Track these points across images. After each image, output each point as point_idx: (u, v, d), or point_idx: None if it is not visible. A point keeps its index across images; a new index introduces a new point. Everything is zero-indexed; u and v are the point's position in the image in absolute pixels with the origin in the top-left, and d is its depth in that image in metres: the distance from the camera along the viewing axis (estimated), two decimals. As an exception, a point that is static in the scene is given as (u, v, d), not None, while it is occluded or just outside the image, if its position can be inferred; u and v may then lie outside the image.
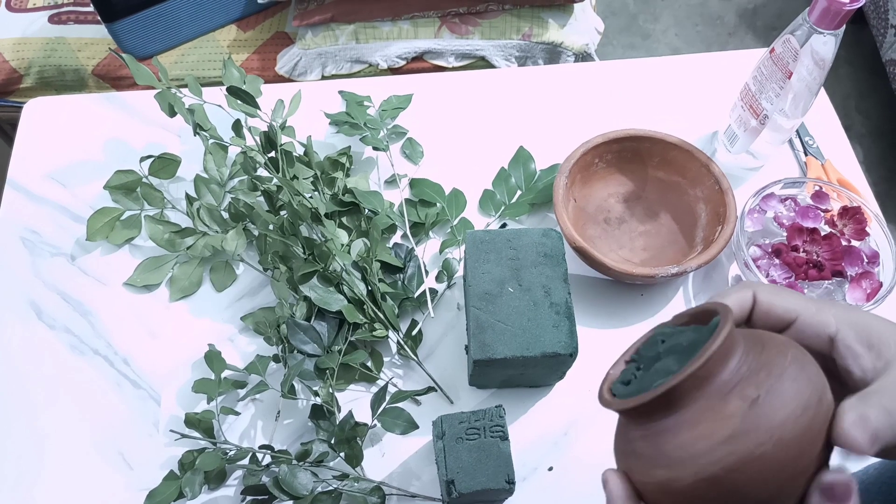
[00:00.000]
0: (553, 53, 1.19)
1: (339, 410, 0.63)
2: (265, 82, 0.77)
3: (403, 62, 1.17)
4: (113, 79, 1.17)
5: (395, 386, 0.65)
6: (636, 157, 0.74)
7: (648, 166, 0.75)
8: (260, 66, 1.17)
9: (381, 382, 0.65)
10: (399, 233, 0.74)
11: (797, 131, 0.81)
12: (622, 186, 0.75)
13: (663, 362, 0.38)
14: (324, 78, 1.18)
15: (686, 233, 0.72)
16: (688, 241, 0.72)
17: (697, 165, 0.72)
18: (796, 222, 0.68)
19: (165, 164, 0.74)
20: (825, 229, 0.69)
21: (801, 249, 0.67)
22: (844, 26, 0.63)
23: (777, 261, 0.67)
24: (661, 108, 0.83)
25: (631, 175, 0.75)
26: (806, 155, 0.79)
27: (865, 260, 0.67)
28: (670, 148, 0.73)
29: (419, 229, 0.73)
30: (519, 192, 0.76)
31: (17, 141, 0.79)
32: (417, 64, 1.18)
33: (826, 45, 0.63)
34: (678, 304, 0.71)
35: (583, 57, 1.21)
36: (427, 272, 0.71)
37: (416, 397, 0.65)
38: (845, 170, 0.79)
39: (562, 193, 0.69)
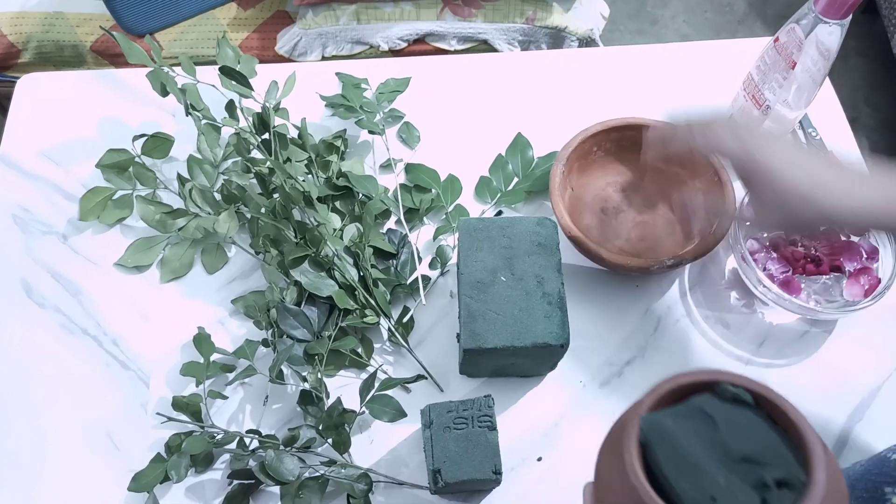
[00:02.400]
0: (557, 38, 1.17)
1: (328, 397, 0.62)
2: (264, 62, 0.76)
3: (405, 44, 1.15)
4: (111, 55, 1.16)
5: (384, 373, 0.65)
6: (635, 146, 0.72)
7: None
8: (260, 46, 1.16)
9: (370, 369, 0.65)
10: (393, 218, 0.73)
11: (800, 122, 0.79)
12: (620, 176, 0.74)
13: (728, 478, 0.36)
14: (324, 59, 1.16)
15: (684, 224, 0.71)
16: (685, 233, 0.70)
17: (698, 156, 0.70)
18: (796, 216, 0.67)
19: (158, 144, 0.73)
20: (825, 224, 0.68)
21: (799, 244, 0.66)
22: (851, 16, 0.61)
23: (774, 255, 0.66)
24: (664, 96, 0.82)
25: (630, 164, 0.74)
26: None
27: (864, 255, 0.66)
28: None
29: (413, 215, 0.72)
30: (516, 180, 0.75)
31: (10, 117, 0.78)
32: (419, 46, 1.16)
33: (831, 35, 0.62)
34: (673, 296, 0.70)
35: (587, 42, 1.19)
36: (420, 259, 0.71)
37: (406, 385, 0.64)
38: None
39: (558, 181, 0.68)
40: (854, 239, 0.67)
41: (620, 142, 0.73)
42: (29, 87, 0.81)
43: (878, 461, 0.53)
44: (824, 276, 0.66)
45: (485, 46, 1.17)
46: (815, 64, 0.65)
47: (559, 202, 0.67)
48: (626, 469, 0.36)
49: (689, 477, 0.36)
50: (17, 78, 1.08)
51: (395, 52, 1.16)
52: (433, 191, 0.73)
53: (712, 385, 0.40)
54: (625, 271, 0.67)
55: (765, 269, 0.66)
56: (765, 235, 0.68)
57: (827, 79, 0.77)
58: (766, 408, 0.39)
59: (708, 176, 0.70)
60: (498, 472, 0.55)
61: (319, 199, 0.69)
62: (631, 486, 0.36)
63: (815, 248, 0.66)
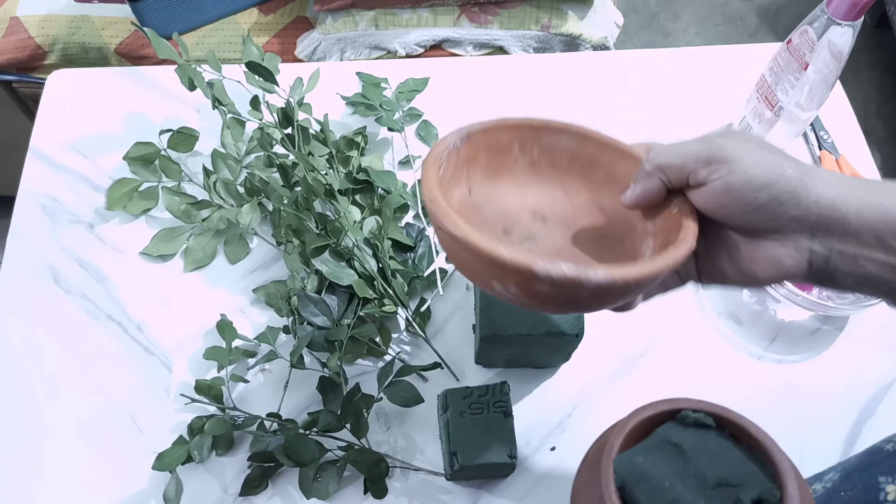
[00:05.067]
0: (571, 45, 1.19)
1: (347, 383, 0.63)
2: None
3: (422, 50, 1.18)
4: (135, 58, 1.19)
5: (402, 361, 0.66)
6: (574, 165, 0.50)
7: (589, 181, 0.50)
8: (280, 50, 1.18)
9: (388, 357, 0.66)
10: (411, 213, 0.74)
11: (812, 125, 0.81)
12: (543, 199, 0.51)
13: None
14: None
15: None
16: None
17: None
18: (808, 214, 0.68)
19: (184, 138, 0.75)
20: (837, 222, 0.69)
21: (812, 241, 0.67)
22: (862, 18, 0.63)
23: (787, 251, 0.67)
24: (676, 99, 0.83)
25: (560, 188, 0.51)
26: (820, 149, 0.79)
27: (876, 253, 0.67)
28: (621, 158, 0.48)
29: (431, 210, 0.74)
30: (531, 177, 0.77)
31: (41, 111, 0.81)
32: (435, 52, 1.19)
33: (843, 36, 0.63)
34: (686, 290, 0.71)
35: (601, 50, 1.21)
36: (437, 252, 0.72)
37: (423, 373, 0.66)
38: (860, 165, 0.78)
39: (446, 154, 0.45)
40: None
41: (555, 154, 0.50)
42: (59, 83, 0.83)
43: (872, 451, 0.53)
44: (836, 274, 0.67)
45: (500, 53, 1.19)
46: (827, 65, 0.66)
47: (433, 172, 0.43)
48: None
49: None
50: (44, 79, 1.11)
51: (412, 58, 1.18)
52: (451, 186, 0.75)
53: (674, 413, 0.41)
54: (494, 271, 0.39)
55: (777, 266, 0.67)
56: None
57: (838, 82, 0.79)
58: (727, 428, 0.40)
59: (668, 210, 0.44)
60: (513, 457, 0.56)
61: (340, 192, 0.70)
62: None
63: (827, 246, 0.67)
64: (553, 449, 0.64)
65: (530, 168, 0.51)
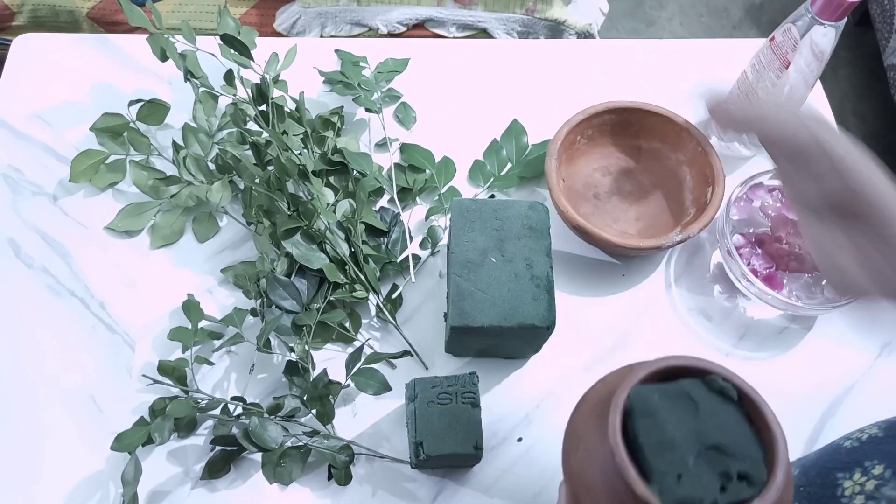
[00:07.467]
0: (555, 31, 1.18)
1: (314, 368, 0.63)
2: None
3: (404, 28, 1.16)
4: (107, 23, 1.15)
5: (371, 348, 0.65)
6: (615, 129, 0.75)
7: (628, 136, 0.75)
8: (258, 22, 1.15)
9: (357, 343, 0.66)
10: (386, 197, 0.73)
11: (791, 124, 0.81)
12: (605, 159, 0.75)
13: (698, 464, 0.38)
14: (322, 38, 1.16)
15: (674, 197, 0.73)
16: (677, 206, 0.72)
17: (676, 129, 0.72)
18: (782, 213, 0.69)
19: (154, 111, 0.73)
20: (810, 222, 0.69)
21: (785, 241, 0.67)
22: (845, 19, 0.62)
23: (759, 250, 0.68)
24: (657, 91, 0.82)
25: (612, 147, 0.76)
26: (797, 148, 0.79)
27: (846, 255, 0.67)
28: (647, 116, 0.73)
29: (406, 195, 0.73)
30: (509, 165, 0.76)
31: (4, 77, 0.78)
32: (418, 32, 1.17)
33: (826, 36, 0.63)
34: (658, 286, 0.71)
35: (585, 36, 1.20)
36: (411, 238, 0.71)
37: (392, 360, 0.65)
38: (835, 166, 0.79)
39: (554, 176, 0.69)
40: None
41: (601, 127, 0.74)
42: (25, 48, 0.80)
43: (831, 449, 0.54)
44: (807, 274, 0.67)
45: (483, 35, 1.17)
46: (809, 65, 0.66)
47: (559, 194, 0.68)
48: (606, 429, 0.38)
49: (661, 451, 0.38)
50: (10, 41, 1.06)
51: (393, 37, 1.16)
52: (427, 171, 0.74)
53: (703, 373, 0.41)
54: (635, 254, 0.69)
55: (749, 265, 0.67)
56: (751, 231, 0.69)
57: (818, 82, 0.79)
58: (746, 406, 0.41)
59: (691, 147, 0.72)
60: (479, 448, 0.56)
61: (314, 173, 0.69)
62: (607, 445, 0.38)
63: (800, 246, 0.67)
64: (520, 440, 0.64)
65: (588, 142, 0.75)
